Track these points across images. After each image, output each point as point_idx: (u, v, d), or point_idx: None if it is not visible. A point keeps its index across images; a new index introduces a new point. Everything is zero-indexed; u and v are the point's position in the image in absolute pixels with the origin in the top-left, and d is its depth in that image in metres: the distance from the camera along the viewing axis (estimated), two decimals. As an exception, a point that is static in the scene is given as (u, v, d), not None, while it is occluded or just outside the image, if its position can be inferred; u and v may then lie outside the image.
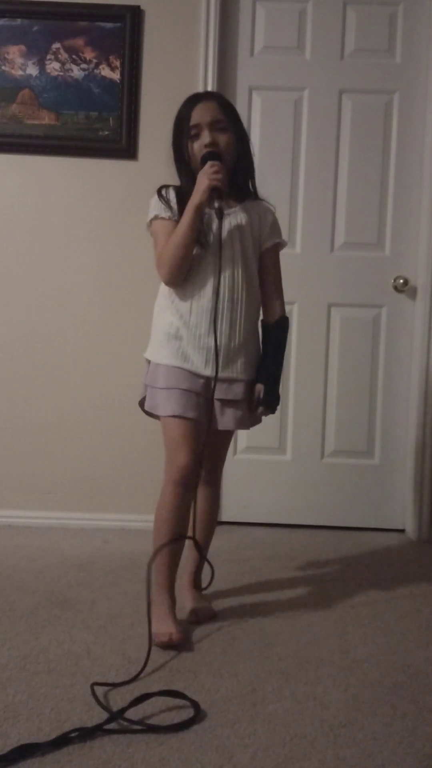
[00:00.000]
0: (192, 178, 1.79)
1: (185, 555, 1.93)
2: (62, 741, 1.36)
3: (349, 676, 1.66)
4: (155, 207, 1.84)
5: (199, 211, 1.73)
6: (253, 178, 1.90)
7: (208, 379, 1.81)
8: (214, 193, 1.73)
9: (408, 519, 2.77)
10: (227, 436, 1.97)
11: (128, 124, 2.62)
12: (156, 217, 1.83)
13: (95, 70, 2.62)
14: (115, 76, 2.62)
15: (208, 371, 1.80)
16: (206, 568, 1.98)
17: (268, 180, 2.68)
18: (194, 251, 1.78)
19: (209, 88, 2.61)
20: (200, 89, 2.60)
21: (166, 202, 1.82)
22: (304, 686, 1.60)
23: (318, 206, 2.75)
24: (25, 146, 2.64)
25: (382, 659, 1.74)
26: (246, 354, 1.86)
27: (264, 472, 2.78)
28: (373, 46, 2.70)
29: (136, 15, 2.60)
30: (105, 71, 2.62)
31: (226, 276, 1.80)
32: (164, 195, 1.84)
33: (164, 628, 1.76)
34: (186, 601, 1.95)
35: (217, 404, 1.83)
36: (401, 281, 2.72)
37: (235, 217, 1.83)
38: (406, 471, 2.78)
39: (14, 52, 2.62)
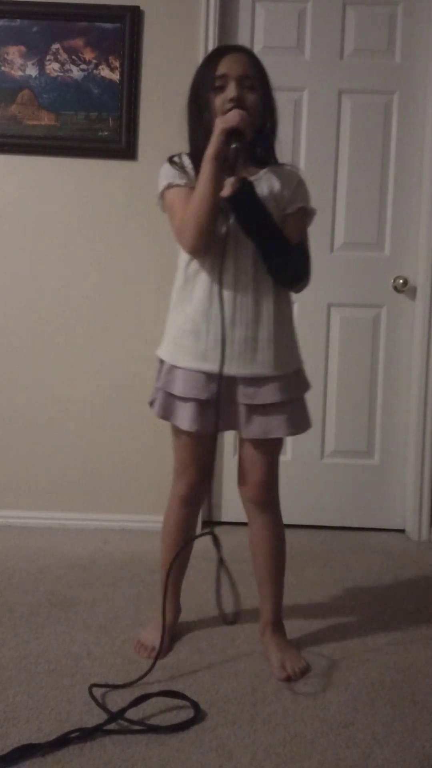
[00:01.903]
0: (209, 140, 1.51)
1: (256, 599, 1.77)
2: (62, 741, 1.36)
3: (349, 676, 1.66)
4: (167, 175, 1.61)
5: (217, 160, 1.48)
6: (274, 145, 1.66)
7: (231, 380, 1.58)
8: (231, 137, 1.48)
9: (408, 519, 2.77)
10: (270, 446, 1.67)
11: (128, 124, 2.62)
12: (169, 186, 1.60)
13: (95, 71, 2.62)
14: (115, 76, 2.62)
15: (234, 368, 1.57)
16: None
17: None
18: (224, 226, 1.53)
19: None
20: (200, 89, 2.61)
21: (180, 167, 1.61)
22: (304, 686, 1.61)
23: (317, 206, 2.67)
24: (24, 147, 2.64)
25: (382, 659, 1.75)
26: (276, 347, 1.60)
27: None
28: (372, 47, 2.70)
29: (135, 15, 2.60)
30: (104, 72, 2.62)
31: (250, 255, 1.57)
32: (177, 161, 1.62)
33: (149, 640, 1.73)
34: (271, 653, 1.69)
35: (242, 410, 1.60)
36: (401, 281, 2.72)
37: (256, 186, 1.58)
38: (406, 471, 2.78)
39: (14, 52, 2.62)
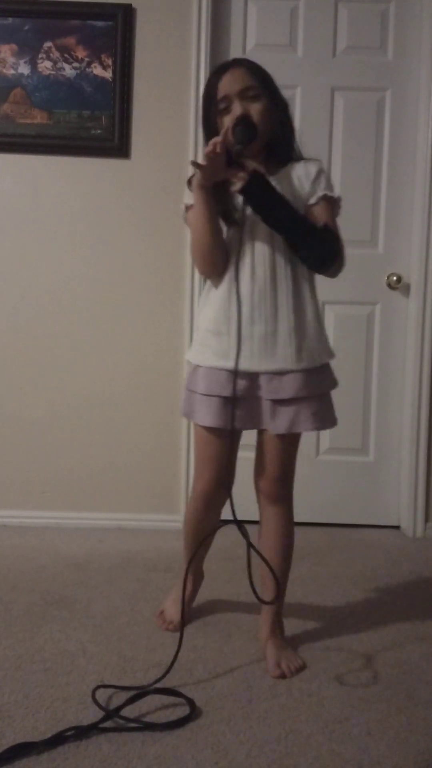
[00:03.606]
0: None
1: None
2: (58, 740, 1.36)
3: (344, 672, 1.66)
4: (187, 196, 1.66)
5: (203, 189, 1.55)
6: (293, 144, 1.68)
7: (253, 376, 1.61)
8: (212, 165, 1.51)
9: (403, 515, 2.78)
10: (290, 442, 1.69)
11: (121, 122, 2.61)
12: (187, 208, 1.66)
13: (87, 69, 2.62)
14: (107, 74, 2.62)
15: (255, 364, 1.60)
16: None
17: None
18: (229, 233, 1.59)
19: (201, 87, 2.60)
20: (192, 87, 2.62)
21: None
22: (299, 683, 1.61)
23: None
24: (17, 146, 2.63)
25: (377, 655, 1.75)
26: (299, 339, 1.61)
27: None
28: (364, 44, 2.70)
29: (127, 13, 2.59)
30: (97, 70, 2.62)
31: (264, 252, 1.60)
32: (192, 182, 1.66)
33: (169, 614, 1.87)
34: (267, 651, 1.70)
35: (267, 405, 1.63)
36: (395, 278, 2.72)
37: (276, 186, 1.60)
38: (401, 467, 2.79)
39: (6, 51, 2.61)
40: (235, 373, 1.58)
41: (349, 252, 2.73)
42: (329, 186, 1.66)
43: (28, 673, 1.61)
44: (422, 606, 2.06)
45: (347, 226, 2.74)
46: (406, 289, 2.74)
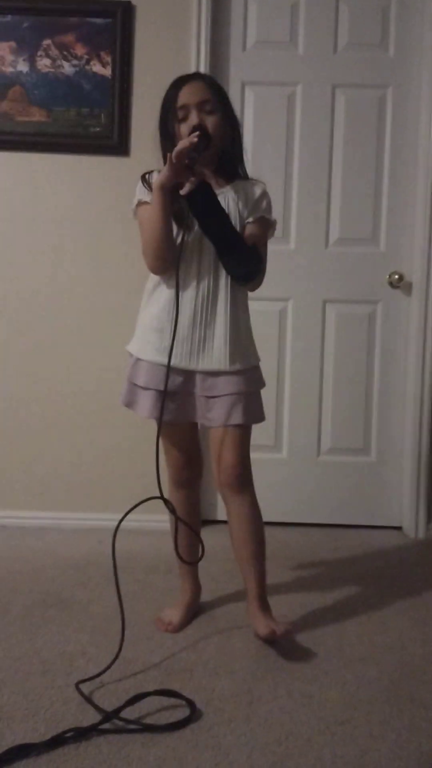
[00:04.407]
0: None
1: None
2: (57, 741, 1.35)
3: (346, 673, 1.65)
4: (139, 192, 1.76)
5: (163, 190, 1.63)
6: (242, 161, 1.80)
7: (189, 373, 1.74)
8: (178, 165, 1.60)
9: (405, 516, 2.76)
10: (235, 432, 1.77)
11: (120, 120, 2.60)
12: (140, 203, 1.76)
13: (86, 66, 2.61)
14: (107, 72, 2.60)
15: (193, 364, 1.73)
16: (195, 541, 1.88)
17: (261, 177, 2.68)
18: (181, 236, 1.69)
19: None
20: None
21: (149, 186, 1.73)
22: (301, 684, 1.60)
23: (312, 202, 2.73)
24: (15, 143, 2.62)
25: (379, 657, 1.74)
26: (232, 345, 1.74)
27: (260, 471, 2.72)
28: (366, 40, 2.69)
29: (126, 10, 2.58)
30: (96, 67, 2.61)
31: (210, 260, 1.72)
32: (148, 179, 1.76)
33: (168, 616, 1.88)
34: (255, 619, 1.77)
35: (201, 401, 1.76)
36: (396, 277, 2.71)
37: (221, 198, 1.73)
38: (403, 468, 2.77)
39: (4, 48, 2.60)
40: (168, 369, 1.69)
41: (351, 250, 2.75)
42: (269, 209, 1.79)
43: (27, 674, 1.60)
44: (424, 607, 2.05)
45: (348, 224, 2.76)
46: (407, 288, 2.73)
